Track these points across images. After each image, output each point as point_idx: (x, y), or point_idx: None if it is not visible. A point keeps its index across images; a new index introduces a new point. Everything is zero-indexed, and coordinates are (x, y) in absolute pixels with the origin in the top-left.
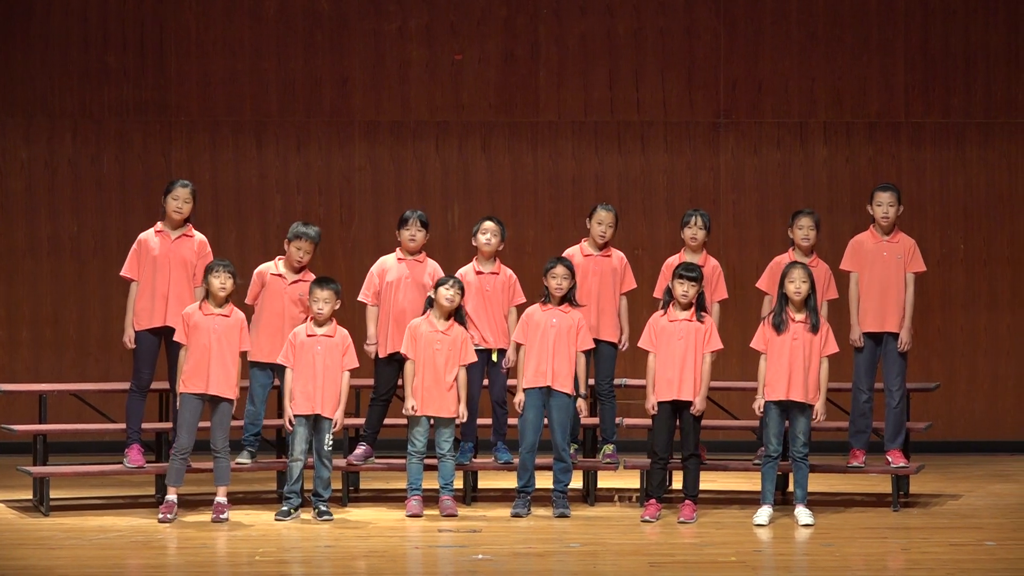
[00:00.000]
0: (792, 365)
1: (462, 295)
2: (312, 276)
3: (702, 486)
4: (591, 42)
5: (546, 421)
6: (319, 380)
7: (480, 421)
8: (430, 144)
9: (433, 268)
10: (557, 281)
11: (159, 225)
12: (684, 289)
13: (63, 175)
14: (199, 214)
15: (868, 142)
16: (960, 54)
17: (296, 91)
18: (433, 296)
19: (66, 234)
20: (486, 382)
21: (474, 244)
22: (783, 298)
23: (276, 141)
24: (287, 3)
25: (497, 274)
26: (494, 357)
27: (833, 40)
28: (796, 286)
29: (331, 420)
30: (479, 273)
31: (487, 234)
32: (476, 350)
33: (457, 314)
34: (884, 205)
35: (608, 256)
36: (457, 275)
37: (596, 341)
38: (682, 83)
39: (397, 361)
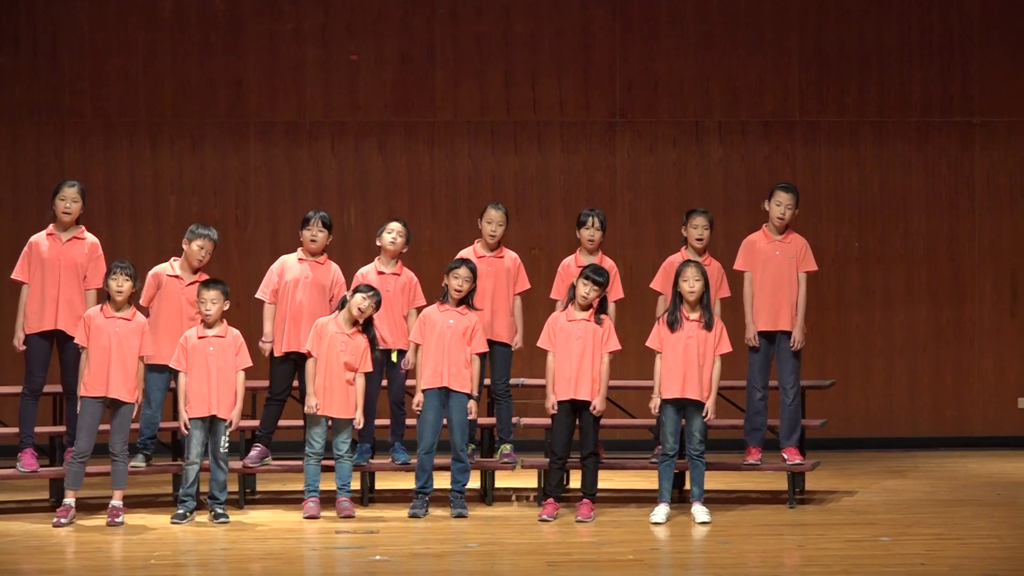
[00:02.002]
0: (687, 363)
1: (376, 309)
2: (207, 277)
3: (600, 485)
4: (487, 42)
5: (445, 421)
6: (213, 381)
7: (378, 422)
8: (326, 144)
9: (335, 272)
10: (459, 282)
11: (51, 227)
12: (586, 291)
13: None
14: (93, 215)
15: (763, 141)
16: (854, 53)
17: (191, 92)
18: (348, 298)
19: None
20: (385, 382)
21: (378, 244)
22: (677, 297)
23: (171, 142)
24: (182, 3)
25: (399, 275)
26: (393, 357)
27: (728, 39)
28: (690, 285)
29: (227, 421)
30: (380, 273)
31: (392, 234)
32: (376, 350)
33: (367, 326)
34: (783, 205)
35: (501, 257)
36: (358, 274)
37: (490, 342)
38: (578, 83)
39: (292, 360)
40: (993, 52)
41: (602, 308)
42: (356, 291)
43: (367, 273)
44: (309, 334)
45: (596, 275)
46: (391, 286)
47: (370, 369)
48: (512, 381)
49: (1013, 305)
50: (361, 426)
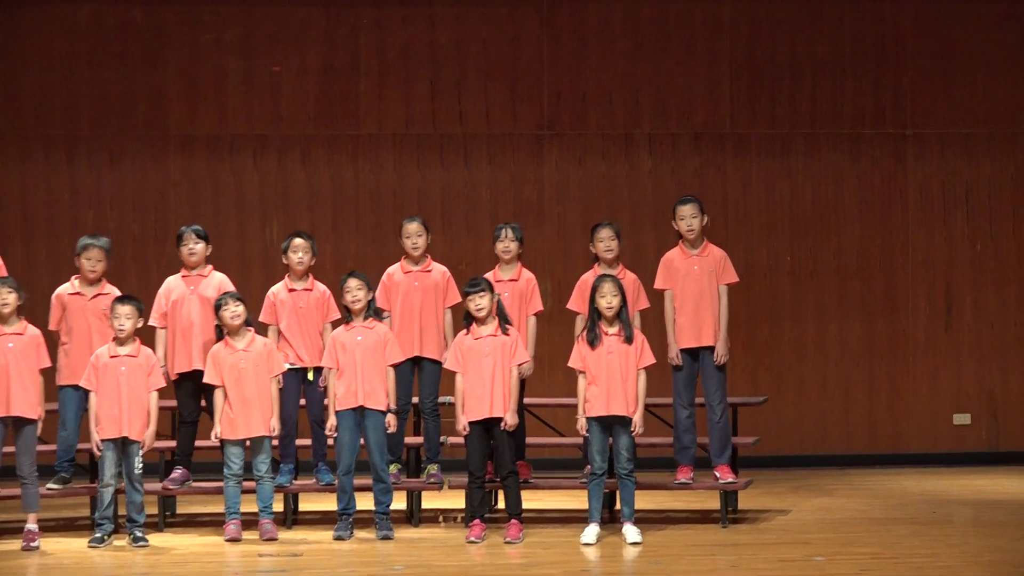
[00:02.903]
0: (610, 380)
1: (245, 304)
2: (113, 289)
3: (529, 505)
4: (412, 53)
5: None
6: (124, 402)
7: (300, 442)
8: (248, 158)
9: (219, 280)
10: (351, 296)
11: None
12: (476, 304)
13: None
14: (8, 231)
15: (694, 153)
16: (786, 64)
17: (109, 104)
18: (220, 323)
19: None
20: (303, 401)
21: (285, 262)
22: (595, 313)
23: (88, 155)
24: (100, 13)
25: (311, 290)
26: (310, 376)
27: (658, 50)
28: (607, 300)
29: (139, 443)
30: (292, 291)
31: (299, 253)
32: (291, 369)
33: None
34: (687, 218)
35: (428, 270)
36: (269, 293)
37: (419, 358)
38: (505, 94)
39: (193, 381)
40: (926, 63)
41: (503, 318)
42: (218, 307)
43: (278, 292)
44: (204, 356)
45: (471, 286)
46: (304, 302)
47: (282, 369)
48: (440, 399)
49: (947, 319)
50: (276, 432)
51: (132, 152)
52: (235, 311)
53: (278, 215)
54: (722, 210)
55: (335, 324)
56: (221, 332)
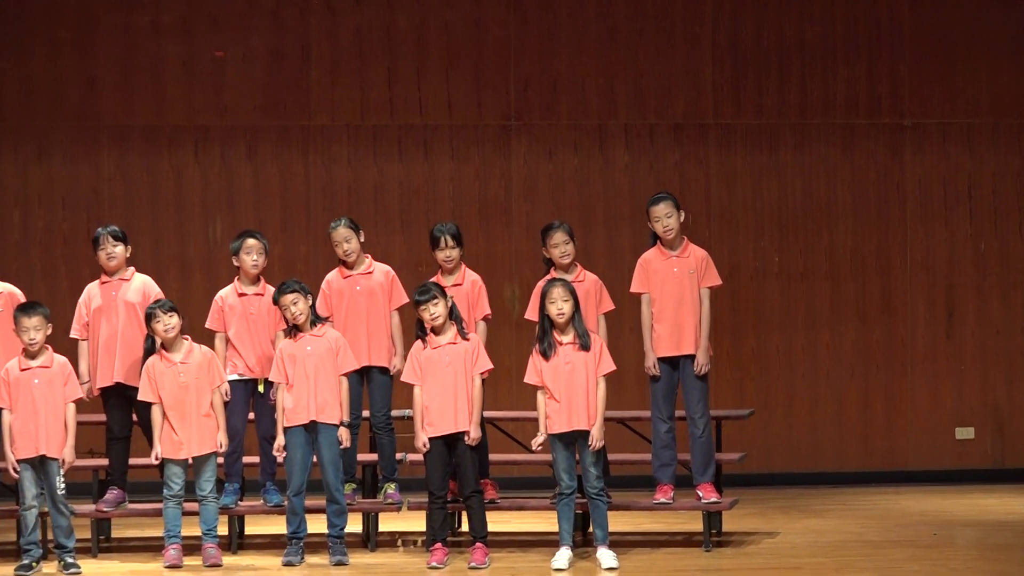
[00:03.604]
0: (570, 392)
1: (179, 314)
2: (16, 294)
3: (496, 528)
4: (368, 37)
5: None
6: (40, 418)
7: (247, 459)
8: (188, 151)
9: (143, 283)
10: (291, 312)
11: None
12: (431, 313)
13: None
14: None
15: (674, 145)
16: (773, 49)
17: (36, 92)
18: (152, 334)
19: None
20: (252, 415)
21: (236, 264)
22: (546, 322)
23: (14, 148)
24: None
25: (262, 295)
26: (260, 388)
27: (635, 34)
28: (557, 307)
29: (59, 460)
30: (242, 295)
31: (252, 254)
32: (240, 380)
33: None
34: (662, 218)
35: (370, 272)
36: (217, 298)
37: (367, 368)
38: (469, 82)
39: (122, 394)
40: (925, 48)
41: (459, 322)
42: (149, 319)
43: (227, 295)
44: (131, 366)
45: (418, 295)
46: (255, 307)
47: (223, 380)
48: (395, 413)
49: (949, 325)
50: (223, 448)
51: (62, 145)
52: (169, 324)
53: (222, 214)
54: (704, 207)
55: (288, 332)
56: (152, 342)
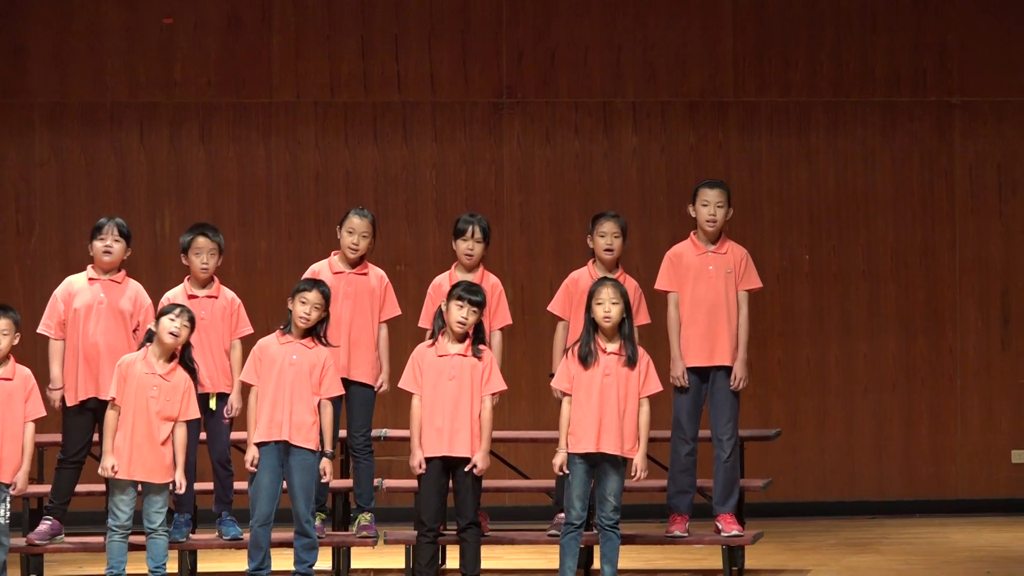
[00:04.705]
0: (604, 408)
1: (191, 330)
2: None
3: (485, 564)
4: (338, 2)
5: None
6: None
7: (199, 486)
8: (133, 132)
9: (135, 291)
10: (307, 308)
11: None
12: (464, 315)
13: None
14: None
15: (689, 127)
16: (803, 16)
17: None
18: (154, 328)
19: None
20: (204, 436)
21: (185, 263)
22: (591, 324)
23: None
24: None
25: (216, 298)
26: (212, 404)
27: (644, 1)
28: (605, 308)
29: (10, 485)
30: (192, 297)
31: (201, 255)
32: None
33: (183, 356)
34: (711, 205)
35: (364, 274)
36: (164, 300)
37: (347, 383)
38: (454, 53)
39: (91, 411)
40: (977, 14)
41: (479, 338)
42: (161, 314)
43: (175, 298)
44: (112, 377)
45: (471, 294)
46: (207, 311)
47: (196, 415)
48: (374, 433)
49: (1004, 334)
50: (182, 490)
51: None
52: (173, 328)
53: (170, 204)
54: None
55: (246, 341)
56: (149, 337)
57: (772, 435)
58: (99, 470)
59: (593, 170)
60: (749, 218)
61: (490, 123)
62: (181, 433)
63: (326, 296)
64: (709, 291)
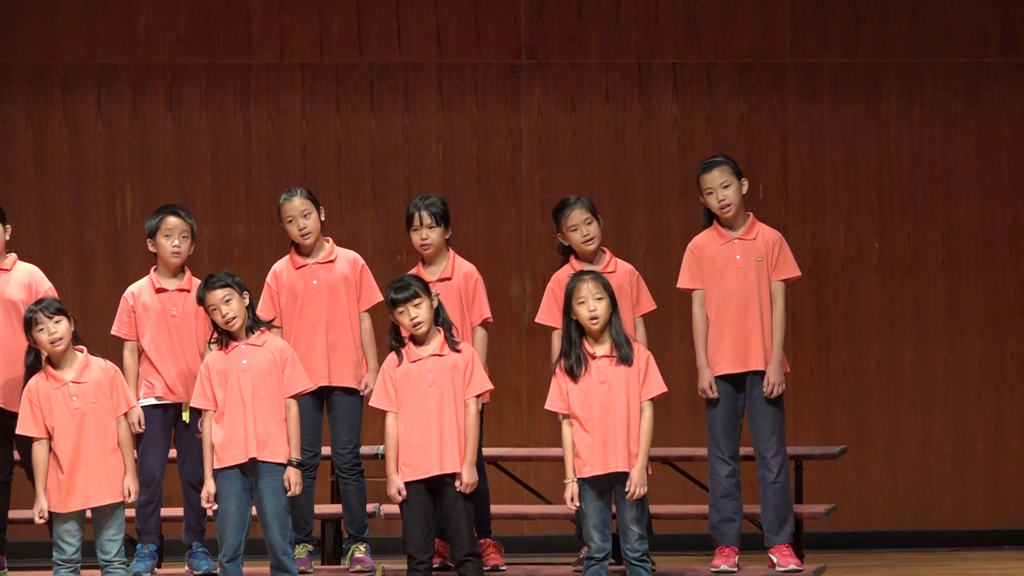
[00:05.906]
0: (605, 422)
1: (68, 319)
2: None
3: None
4: None
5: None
6: None
7: (167, 512)
8: (89, 98)
9: (27, 275)
10: (222, 313)
11: None
12: (413, 315)
13: None
14: None
15: (739, 92)
16: None
17: None
18: (31, 343)
19: None
20: (174, 452)
21: (152, 250)
22: (574, 328)
23: None
24: None
25: (187, 291)
26: (185, 416)
27: None
28: (590, 307)
29: None
30: (161, 291)
31: (172, 237)
32: (158, 406)
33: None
34: (716, 190)
35: (331, 261)
36: (127, 294)
37: (328, 390)
38: (464, 7)
39: (2, 423)
40: None
41: (449, 330)
42: (29, 326)
43: (140, 292)
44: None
45: (399, 292)
46: (178, 308)
47: (132, 404)
48: (365, 450)
49: None
50: (133, 498)
51: None
52: (55, 332)
53: (133, 181)
54: (780, 176)
55: (219, 341)
56: (35, 356)
57: (836, 453)
58: (34, 516)
59: (627, 143)
60: (809, 198)
61: (506, 88)
62: (125, 432)
63: (233, 284)
64: (738, 284)
